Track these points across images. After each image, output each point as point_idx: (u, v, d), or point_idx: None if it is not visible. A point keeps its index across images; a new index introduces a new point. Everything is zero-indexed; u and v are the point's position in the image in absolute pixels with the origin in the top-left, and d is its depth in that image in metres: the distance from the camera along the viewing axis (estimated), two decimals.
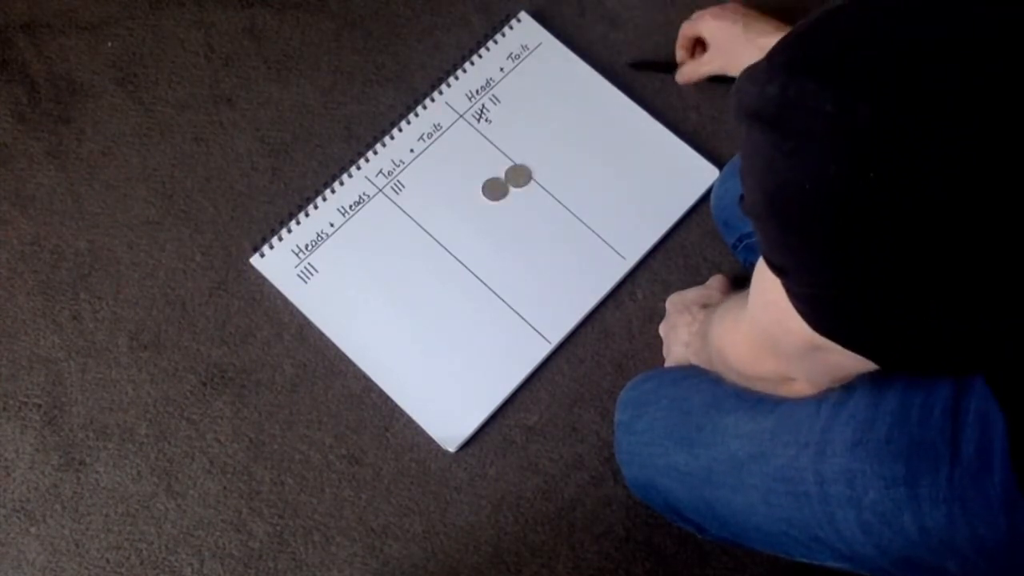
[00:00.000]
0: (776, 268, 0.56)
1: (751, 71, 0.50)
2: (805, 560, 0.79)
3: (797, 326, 0.58)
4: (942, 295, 0.51)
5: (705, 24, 1.08)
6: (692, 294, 1.04)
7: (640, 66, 1.18)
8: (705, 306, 1.00)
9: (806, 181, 0.48)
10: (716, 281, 1.06)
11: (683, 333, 0.99)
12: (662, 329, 1.05)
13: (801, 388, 0.71)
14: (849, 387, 0.72)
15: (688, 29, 1.11)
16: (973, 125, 0.45)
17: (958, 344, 0.56)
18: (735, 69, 1.05)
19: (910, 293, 0.51)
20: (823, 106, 0.46)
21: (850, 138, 0.46)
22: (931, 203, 0.46)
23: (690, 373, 0.90)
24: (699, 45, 1.12)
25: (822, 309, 0.56)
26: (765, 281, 0.59)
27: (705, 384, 0.85)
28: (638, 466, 0.91)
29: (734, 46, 1.05)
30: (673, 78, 1.15)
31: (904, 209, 0.47)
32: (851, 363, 0.59)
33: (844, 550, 0.74)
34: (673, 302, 1.05)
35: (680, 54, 1.14)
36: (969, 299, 0.51)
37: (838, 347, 0.58)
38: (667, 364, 1.02)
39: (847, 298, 0.54)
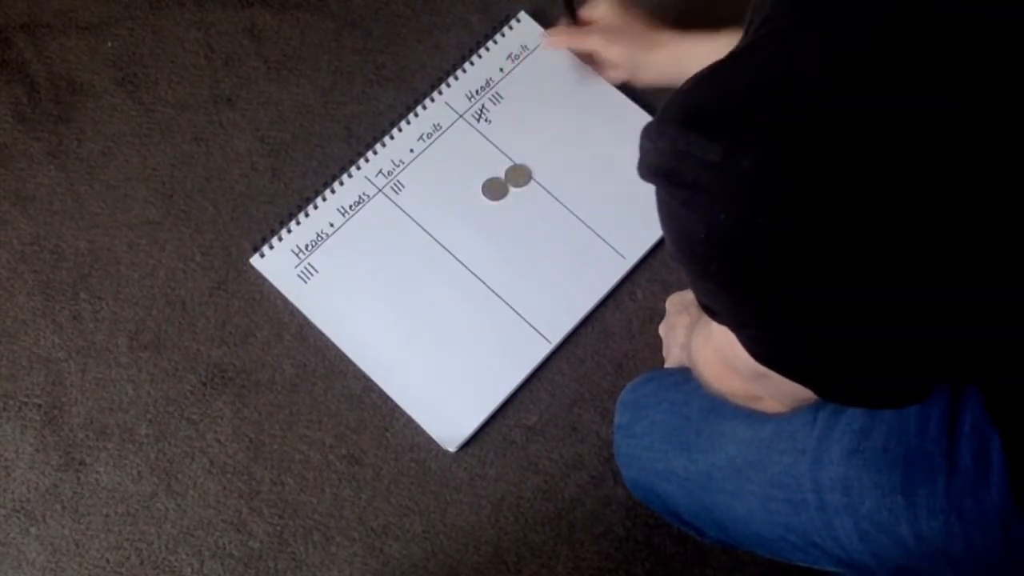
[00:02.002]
0: (705, 308, 0.58)
1: (647, 128, 0.52)
2: (804, 565, 0.80)
3: (744, 352, 0.59)
4: (859, 324, 0.52)
5: (595, 43, 1.08)
6: (692, 294, 1.03)
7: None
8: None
9: (702, 230, 0.50)
10: None
11: (681, 334, 0.99)
12: (662, 329, 1.05)
13: (770, 405, 0.71)
14: None
15: (585, 44, 1.11)
16: (849, 165, 0.47)
17: (901, 368, 0.57)
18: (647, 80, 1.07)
19: (825, 325, 0.52)
20: (710, 157, 0.48)
21: (736, 187, 0.48)
22: (820, 242, 0.48)
23: (690, 377, 0.91)
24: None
25: (755, 342, 0.57)
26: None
27: (704, 388, 0.85)
28: (637, 469, 0.91)
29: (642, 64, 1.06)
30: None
31: (796, 250, 0.48)
32: (803, 388, 0.60)
33: (842, 556, 0.74)
34: (673, 302, 1.05)
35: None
36: (890, 322, 0.52)
37: None
38: (667, 365, 1.02)
39: (771, 335, 0.56)
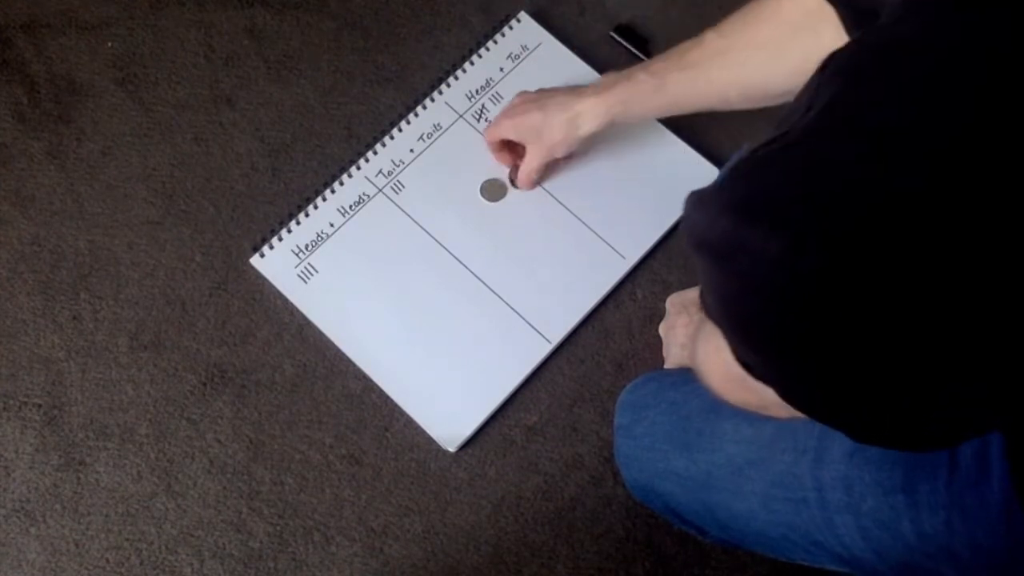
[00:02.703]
0: (742, 363, 0.57)
1: (701, 200, 0.52)
2: (806, 564, 0.80)
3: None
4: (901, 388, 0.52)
5: (504, 127, 1.06)
6: (692, 294, 1.03)
7: (621, 33, 1.17)
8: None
9: (752, 305, 0.51)
10: None
11: (681, 334, 0.99)
12: (662, 329, 1.05)
13: (778, 412, 0.70)
14: None
15: (492, 136, 1.09)
16: (909, 277, 0.47)
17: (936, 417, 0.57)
18: (560, 148, 1.04)
19: (869, 387, 0.52)
20: (770, 252, 0.48)
21: (794, 283, 0.48)
22: (873, 334, 0.48)
23: (690, 377, 0.90)
24: (510, 148, 1.10)
25: (789, 393, 0.57)
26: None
27: (704, 388, 0.85)
28: (637, 469, 0.91)
29: (545, 131, 1.03)
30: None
31: (848, 339, 0.49)
32: None
33: (844, 554, 0.74)
34: (673, 302, 1.05)
35: (501, 160, 1.11)
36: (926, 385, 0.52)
37: None
38: (666, 365, 1.02)
39: (811, 392, 0.55)
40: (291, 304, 1.08)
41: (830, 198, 0.47)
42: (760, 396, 0.60)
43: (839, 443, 0.72)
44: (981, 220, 0.46)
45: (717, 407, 0.82)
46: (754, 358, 0.56)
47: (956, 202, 0.46)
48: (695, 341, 0.83)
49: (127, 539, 1.02)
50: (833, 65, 0.52)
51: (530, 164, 1.07)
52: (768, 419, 0.77)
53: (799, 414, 0.65)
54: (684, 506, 0.86)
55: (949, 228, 0.46)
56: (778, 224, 0.48)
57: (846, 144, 0.48)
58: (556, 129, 1.02)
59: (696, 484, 0.84)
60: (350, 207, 1.11)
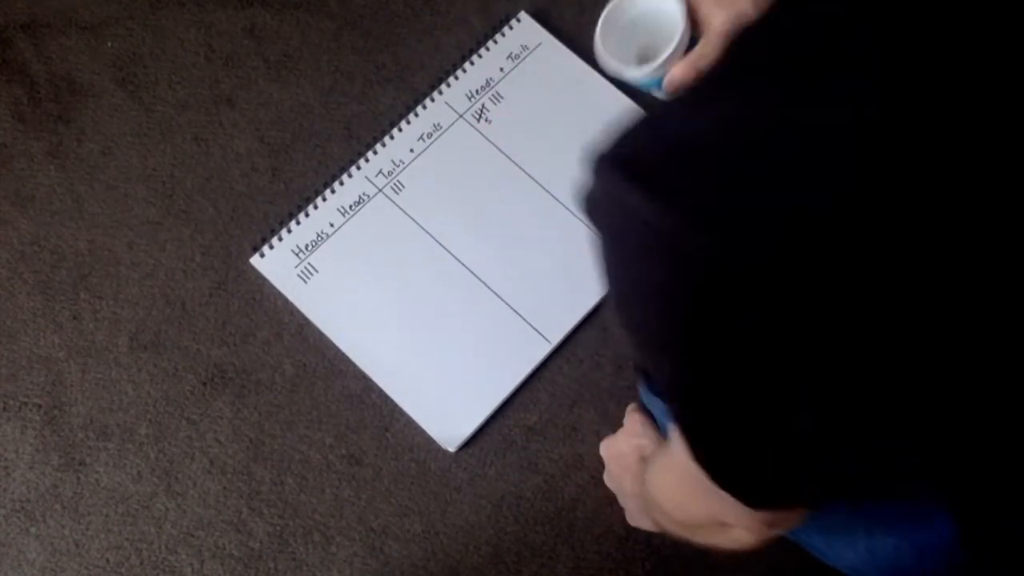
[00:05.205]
0: (640, 371, 0.53)
1: (590, 160, 0.46)
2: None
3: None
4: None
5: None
6: (625, 447, 0.97)
7: None
8: (644, 459, 0.93)
9: (644, 287, 0.46)
10: (636, 424, 0.97)
11: (628, 483, 0.95)
12: (609, 483, 1.01)
13: (740, 536, 0.63)
14: None
15: None
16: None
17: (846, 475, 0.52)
18: (752, 5, 0.82)
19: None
20: (643, 214, 0.43)
21: (661, 247, 0.43)
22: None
23: None
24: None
25: (687, 420, 0.51)
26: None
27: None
28: (657, 411, 0.92)
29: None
30: None
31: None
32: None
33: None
34: (610, 454, 1.00)
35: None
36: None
37: None
38: (629, 519, 0.99)
39: (711, 421, 0.49)
40: (291, 304, 1.08)
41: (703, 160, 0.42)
42: (709, 498, 0.54)
43: None
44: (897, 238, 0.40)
45: None
46: (653, 367, 0.50)
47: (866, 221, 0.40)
48: (646, 475, 0.78)
49: (127, 539, 1.02)
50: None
51: (715, 35, 0.82)
52: None
53: (755, 527, 0.59)
54: None
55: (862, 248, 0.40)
56: (654, 185, 0.42)
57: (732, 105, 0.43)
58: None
59: None
60: (350, 207, 1.11)
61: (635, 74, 0.88)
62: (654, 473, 0.71)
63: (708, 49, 0.83)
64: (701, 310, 0.43)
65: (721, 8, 0.82)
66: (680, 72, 0.84)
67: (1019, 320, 0.43)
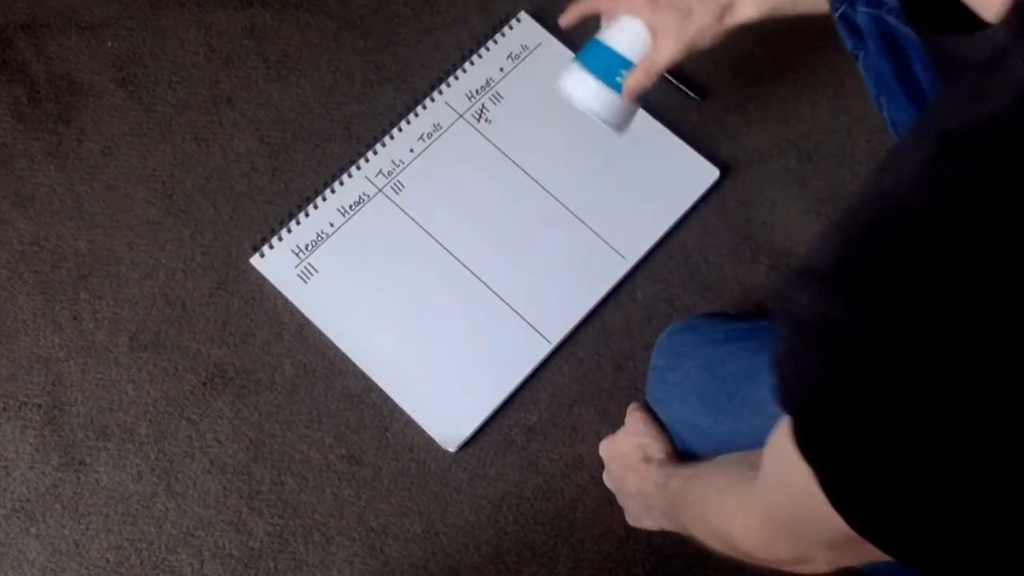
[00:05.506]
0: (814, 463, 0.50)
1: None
2: None
3: (833, 520, 0.50)
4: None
5: (637, 2, 0.92)
6: (625, 446, 0.97)
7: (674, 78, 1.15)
8: (647, 458, 0.94)
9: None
10: (638, 423, 0.98)
11: (631, 484, 0.95)
12: (609, 483, 1.01)
13: (816, 567, 0.63)
14: None
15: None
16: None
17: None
18: (707, 35, 0.88)
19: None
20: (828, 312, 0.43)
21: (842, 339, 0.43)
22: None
23: (732, 336, 0.89)
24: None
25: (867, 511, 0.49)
26: (786, 466, 0.52)
27: (745, 353, 0.83)
28: (664, 411, 0.92)
29: (696, 10, 0.87)
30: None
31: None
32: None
33: None
34: (609, 453, 0.99)
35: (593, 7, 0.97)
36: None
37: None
38: (628, 518, 0.99)
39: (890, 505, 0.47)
40: (291, 304, 1.08)
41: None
42: (803, 544, 0.54)
43: None
44: None
45: (753, 375, 0.80)
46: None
47: None
48: (683, 501, 0.78)
49: (127, 539, 1.02)
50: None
51: (663, 55, 0.88)
52: None
53: (841, 563, 0.59)
54: (697, 454, 0.87)
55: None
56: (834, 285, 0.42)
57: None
58: (707, 10, 0.85)
59: (715, 443, 0.83)
60: (350, 207, 1.11)
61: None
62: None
63: (661, 54, 0.89)
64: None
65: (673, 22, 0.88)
66: (634, 79, 0.91)
67: None
